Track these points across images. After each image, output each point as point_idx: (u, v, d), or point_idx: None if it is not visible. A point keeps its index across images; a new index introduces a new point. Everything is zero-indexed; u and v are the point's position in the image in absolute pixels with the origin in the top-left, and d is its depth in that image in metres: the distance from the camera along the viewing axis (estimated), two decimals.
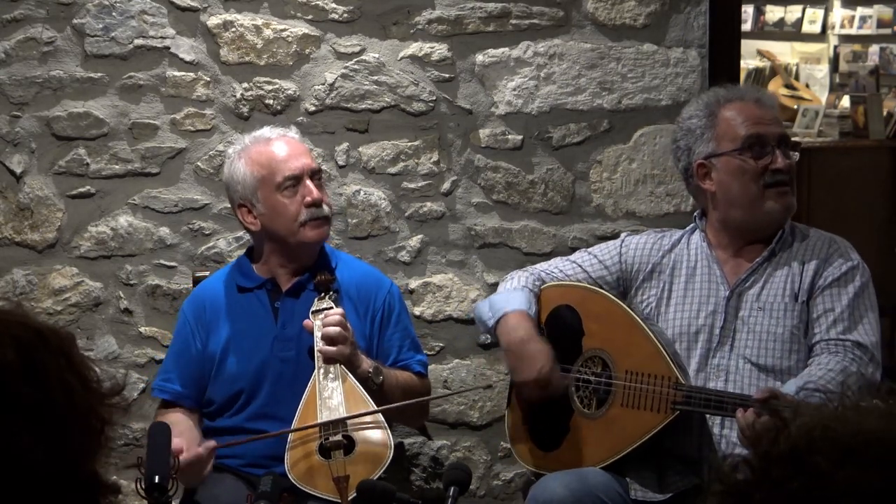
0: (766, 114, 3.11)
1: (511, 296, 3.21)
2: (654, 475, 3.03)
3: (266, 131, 3.33)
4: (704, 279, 3.12)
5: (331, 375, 3.10)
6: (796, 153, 3.12)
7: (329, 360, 3.11)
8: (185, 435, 3.06)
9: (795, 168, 3.11)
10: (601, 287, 3.21)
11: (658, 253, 3.20)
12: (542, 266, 3.31)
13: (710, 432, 3.00)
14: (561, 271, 3.26)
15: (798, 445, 1.03)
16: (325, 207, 3.25)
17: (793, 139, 3.18)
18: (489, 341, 3.83)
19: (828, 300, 3.02)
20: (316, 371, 3.11)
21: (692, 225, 3.22)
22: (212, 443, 3.10)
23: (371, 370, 3.15)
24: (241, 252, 3.69)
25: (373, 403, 3.08)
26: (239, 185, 3.25)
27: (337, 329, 3.11)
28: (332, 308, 3.16)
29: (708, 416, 2.98)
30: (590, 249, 3.32)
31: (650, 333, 3.04)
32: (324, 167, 3.81)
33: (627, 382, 3.04)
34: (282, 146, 3.27)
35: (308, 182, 3.23)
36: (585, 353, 3.14)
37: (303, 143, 3.38)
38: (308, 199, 3.21)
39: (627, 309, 3.12)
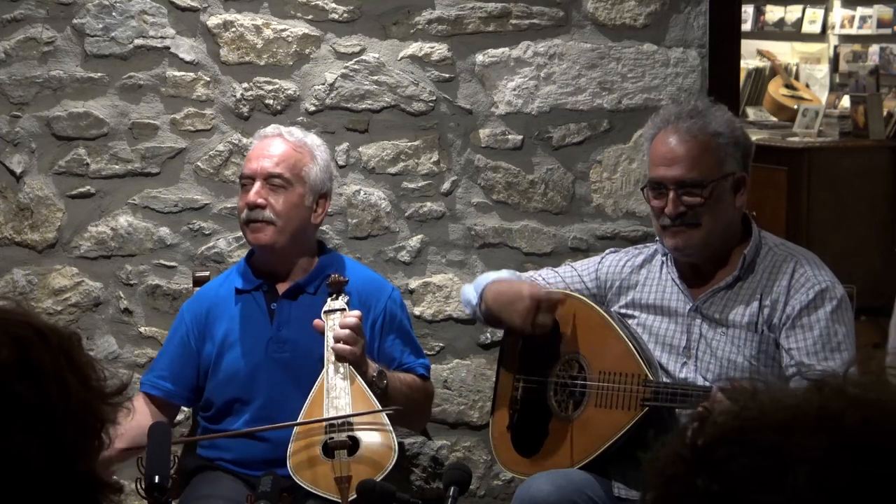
0: (673, 151, 3.02)
1: (496, 273, 3.30)
2: (638, 473, 3.04)
3: (271, 127, 3.39)
4: (672, 297, 3.13)
5: (340, 375, 3.10)
6: (697, 197, 2.99)
7: (339, 358, 3.11)
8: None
9: (704, 203, 2.99)
10: None
11: (628, 270, 3.23)
12: (527, 274, 3.38)
13: None
14: (544, 280, 3.29)
15: (732, 427, 1.05)
16: (267, 212, 3.22)
17: (695, 178, 2.99)
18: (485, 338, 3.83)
19: (799, 332, 2.98)
20: (325, 369, 3.11)
21: (658, 246, 3.23)
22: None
23: (376, 374, 3.15)
24: (241, 252, 3.70)
25: (379, 407, 3.08)
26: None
27: (350, 332, 3.11)
28: (345, 309, 3.15)
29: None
30: (573, 264, 3.37)
31: (622, 334, 3.08)
32: None
33: (600, 383, 3.09)
34: (262, 144, 3.31)
35: (257, 184, 3.24)
36: (563, 356, 3.20)
37: (288, 145, 3.29)
38: (246, 200, 3.25)
39: (601, 311, 3.16)
